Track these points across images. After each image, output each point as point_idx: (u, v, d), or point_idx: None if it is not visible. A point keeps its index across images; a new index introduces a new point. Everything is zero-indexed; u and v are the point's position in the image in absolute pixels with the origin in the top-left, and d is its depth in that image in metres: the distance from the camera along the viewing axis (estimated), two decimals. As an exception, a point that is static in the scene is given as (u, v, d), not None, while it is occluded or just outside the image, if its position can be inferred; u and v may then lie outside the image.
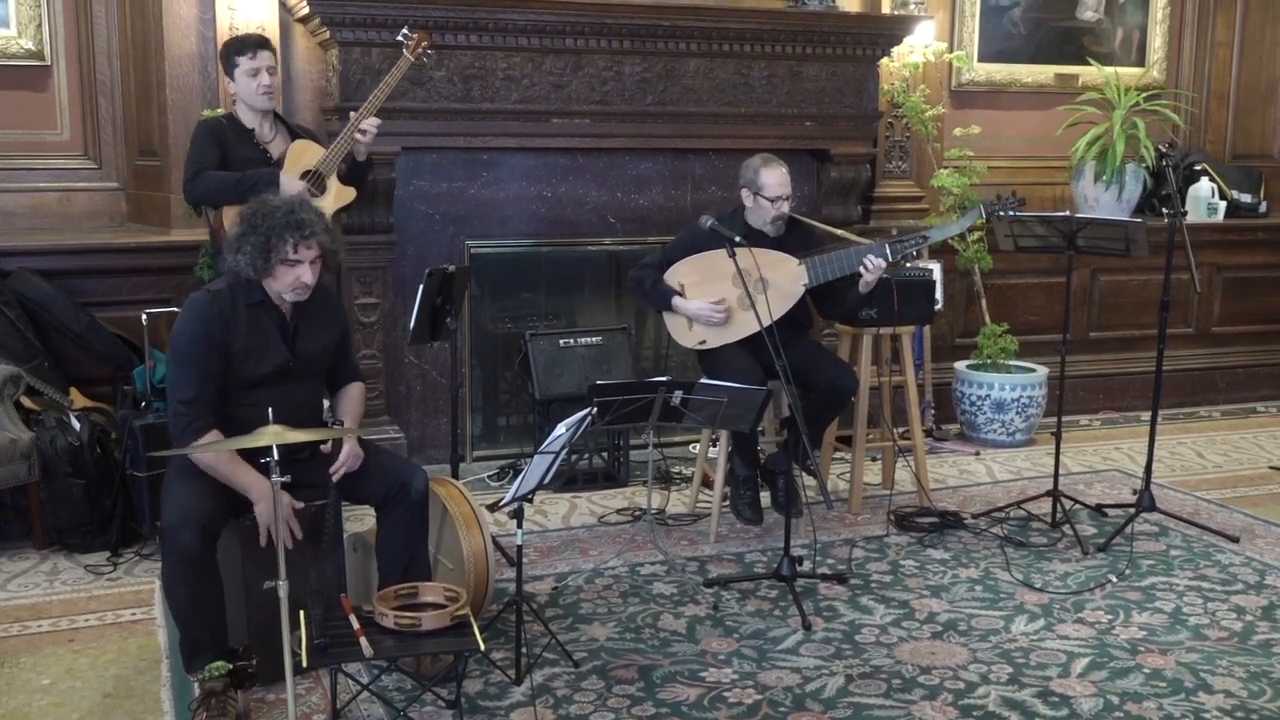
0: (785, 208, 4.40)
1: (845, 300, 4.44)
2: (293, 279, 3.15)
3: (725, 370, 4.24)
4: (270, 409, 2.84)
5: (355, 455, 3.26)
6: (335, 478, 3.22)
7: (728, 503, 4.58)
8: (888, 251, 4.31)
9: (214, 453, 3.07)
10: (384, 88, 4.17)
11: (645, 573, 4.11)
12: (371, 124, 4.11)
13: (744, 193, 4.46)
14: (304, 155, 4.07)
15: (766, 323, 3.87)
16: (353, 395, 3.48)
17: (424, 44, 4.24)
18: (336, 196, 4.12)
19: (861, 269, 4.28)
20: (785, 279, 4.35)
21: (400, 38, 4.26)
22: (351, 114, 4.21)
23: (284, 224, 3.09)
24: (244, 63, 4.09)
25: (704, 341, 4.44)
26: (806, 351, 4.43)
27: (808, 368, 4.32)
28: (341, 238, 3.38)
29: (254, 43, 4.16)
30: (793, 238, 4.48)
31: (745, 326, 4.34)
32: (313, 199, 4.00)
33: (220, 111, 4.43)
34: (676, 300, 4.42)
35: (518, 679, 3.26)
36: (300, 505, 3.19)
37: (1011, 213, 4.41)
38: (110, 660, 3.44)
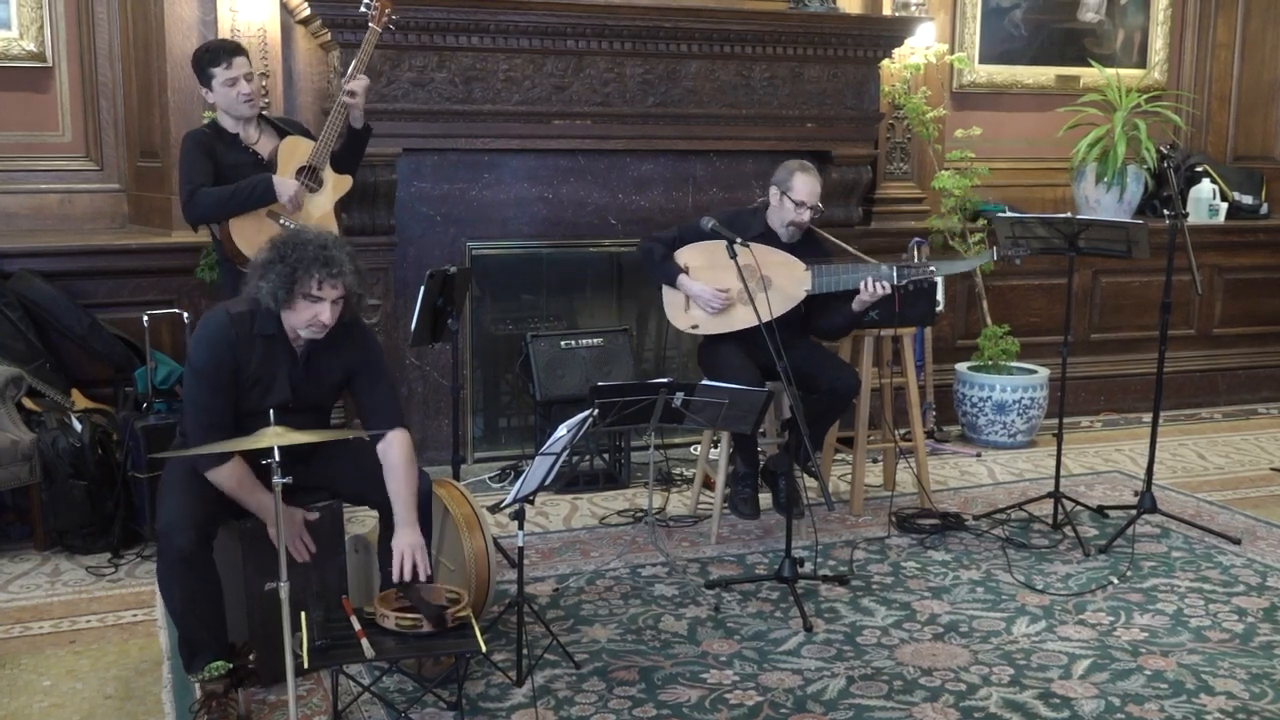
0: (806, 216, 4.42)
1: (835, 317, 4.44)
2: (311, 315, 3.06)
3: (721, 368, 4.28)
4: (271, 413, 2.85)
5: (419, 547, 3.10)
6: (395, 579, 3.09)
7: (728, 504, 4.58)
8: (894, 274, 4.31)
9: (235, 478, 3.04)
10: (363, 55, 4.07)
11: (646, 574, 4.11)
12: (359, 84, 4.01)
13: (773, 190, 4.47)
14: (295, 152, 4.02)
15: (766, 318, 3.88)
16: (402, 460, 3.18)
17: (387, 10, 4.17)
18: (334, 188, 4.08)
19: (862, 286, 4.28)
20: (790, 282, 4.35)
21: (364, 8, 4.17)
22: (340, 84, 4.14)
23: (313, 258, 3.01)
24: (220, 73, 3.96)
25: (696, 326, 4.47)
26: (807, 353, 4.43)
27: (809, 369, 4.32)
28: (366, 285, 3.21)
29: (227, 50, 4.02)
30: (805, 247, 4.50)
31: (741, 320, 4.36)
32: (310, 193, 3.99)
33: (209, 116, 4.37)
34: (682, 279, 4.44)
35: (519, 680, 3.26)
36: (314, 517, 3.17)
37: (1019, 261, 4.46)
38: (111, 662, 3.44)
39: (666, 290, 4.52)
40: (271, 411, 2.85)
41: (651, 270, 4.57)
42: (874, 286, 4.26)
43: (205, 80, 4.01)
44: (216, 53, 4.02)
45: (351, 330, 3.24)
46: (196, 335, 3.14)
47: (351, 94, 4.01)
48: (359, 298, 3.16)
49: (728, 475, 4.55)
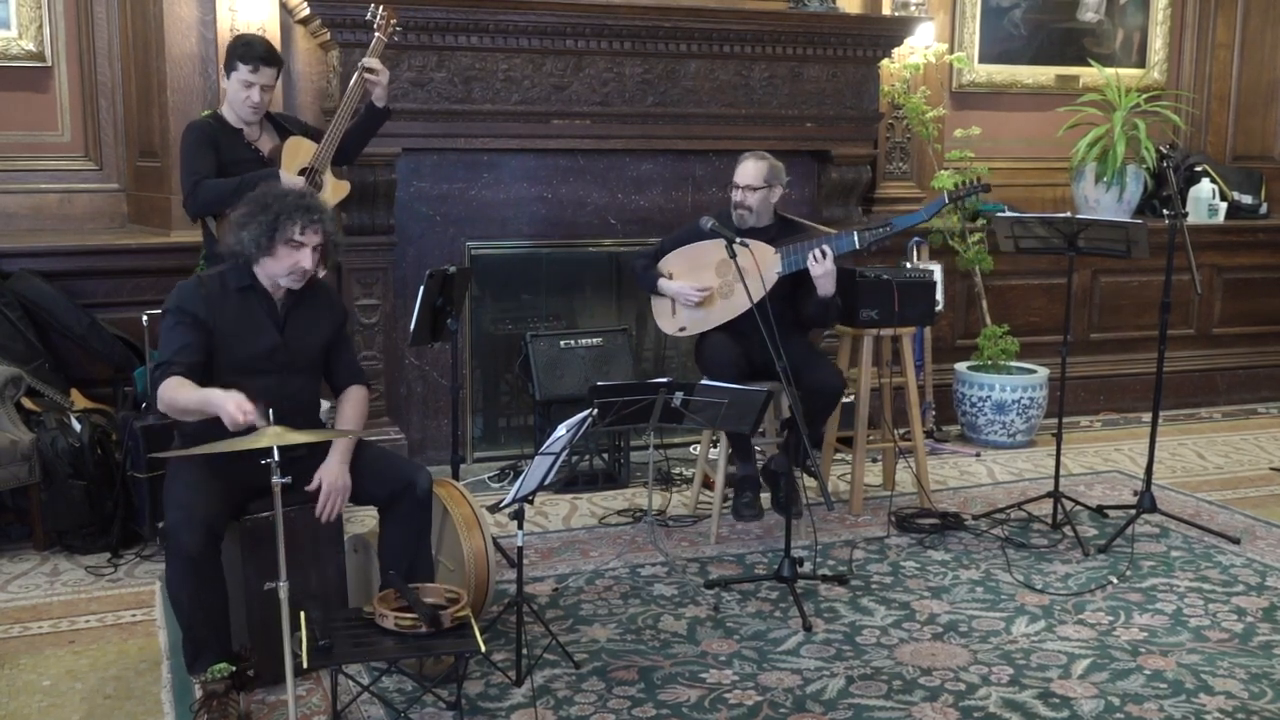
0: (748, 199, 4.44)
1: (808, 306, 4.42)
2: (292, 262, 3.17)
3: (712, 359, 4.32)
4: (271, 410, 2.84)
5: (340, 490, 3.20)
6: (322, 519, 3.20)
7: (728, 504, 4.58)
8: (855, 239, 4.33)
9: (173, 387, 3.03)
10: (372, 54, 4.08)
11: (646, 574, 4.11)
12: (375, 62, 4.02)
13: None
14: (298, 153, 4.02)
15: (746, 307, 3.91)
16: (351, 402, 3.43)
17: (393, 20, 4.18)
18: (334, 192, 4.08)
19: (810, 261, 4.27)
20: (762, 266, 4.35)
21: (370, 17, 4.17)
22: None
23: (295, 206, 3.16)
24: (243, 71, 3.95)
25: (684, 328, 4.55)
26: (796, 351, 4.41)
27: (795, 367, 4.30)
28: (343, 237, 3.40)
29: (258, 55, 3.98)
30: (786, 234, 4.51)
31: (721, 313, 4.43)
32: None
33: (207, 113, 4.35)
34: (662, 282, 4.56)
35: (518, 680, 3.26)
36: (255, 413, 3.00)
37: (975, 199, 4.43)
38: (111, 661, 3.44)
39: (654, 299, 4.63)
40: (271, 411, 2.84)
41: (637, 283, 4.72)
42: (817, 255, 4.25)
43: (228, 69, 4.02)
44: (250, 51, 3.99)
45: (330, 292, 3.44)
46: (166, 300, 3.24)
47: (373, 71, 4.01)
48: (335, 248, 3.29)
49: (727, 476, 4.55)
